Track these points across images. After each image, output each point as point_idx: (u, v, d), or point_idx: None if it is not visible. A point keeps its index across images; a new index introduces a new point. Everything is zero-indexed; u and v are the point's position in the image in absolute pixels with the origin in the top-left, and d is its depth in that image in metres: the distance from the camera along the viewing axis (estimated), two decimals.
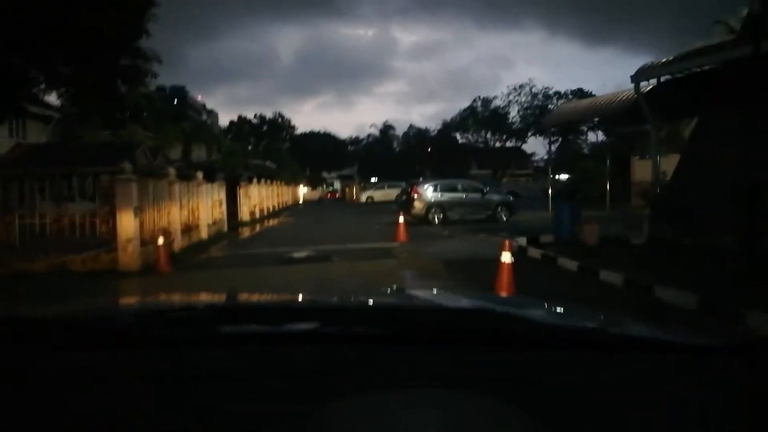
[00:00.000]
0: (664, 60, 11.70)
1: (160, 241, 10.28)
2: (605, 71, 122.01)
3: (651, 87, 12.09)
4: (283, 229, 20.61)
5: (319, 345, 1.03)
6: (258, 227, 22.18)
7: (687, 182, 11.52)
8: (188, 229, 14.41)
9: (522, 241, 12.42)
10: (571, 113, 17.25)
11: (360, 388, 0.85)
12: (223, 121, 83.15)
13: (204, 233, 15.74)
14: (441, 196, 19.62)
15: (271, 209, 31.69)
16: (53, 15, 8.47)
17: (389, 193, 47.61)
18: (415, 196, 19.60)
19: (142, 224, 11.10)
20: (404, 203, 20.67)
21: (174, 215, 13.05)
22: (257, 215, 26.23)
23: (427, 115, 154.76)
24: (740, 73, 9.71)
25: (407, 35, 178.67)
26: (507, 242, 6.96)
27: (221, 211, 18.55)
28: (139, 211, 10.59)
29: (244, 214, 23.56)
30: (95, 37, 9.11)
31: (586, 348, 1.03)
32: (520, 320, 1.20)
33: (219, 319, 1.19)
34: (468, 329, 1.08)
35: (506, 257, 6.58)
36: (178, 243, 13.26)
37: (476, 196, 19.97)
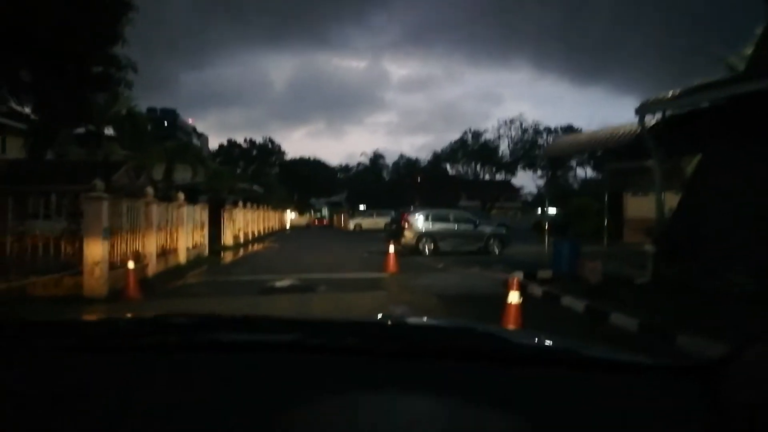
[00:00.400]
0: (668, 95, 11.31)
1: (130, 265, 9.46)
2: (592, 109, 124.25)
3: (655, 122, 11.67)
4: (267, 256, 19.77)
5: (303, 354, 1.11)
6: (241, 252, 21.31)
7: (691, 219, 11.01)
8: (165, 252, 13.57)
9: (519, 276, 11.74)
10: (570, 146, 16.86)
11: (339, 393, 0.92)
12: (214, 145, 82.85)
13: (182, 257, 14.88)
14: (432, 226, 18.99)
15: (256, 234, 30.82)
16: (16, 12, 7.75)
17: (378, 222, 47.00)
18: (406, 225, 18.95)
19: (112, 246, 10.28)
20: (394, 232, 20.00)
21: (149, 238, 12.23)
22: (241, 240, 25.36)
23: (417, 145, 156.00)
24: (747, 108, 9.33)
25: (398, 68, 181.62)
26: (515, 280, 6.27)
27: (202, 235, 17.72)
28: (108, 233, 9.78)
29: (227, 238, 22.71)
30: (63, 39, 8.41)
31: (557, 365, 1.10)
32: (498, 339, 1.30)
33: (210, 327, 1.28)
34: (447, 344, 1.17)
35: (514, 297, 5.91)
36: (153, 267, 12.40)
37: (468, 227, 19.36)
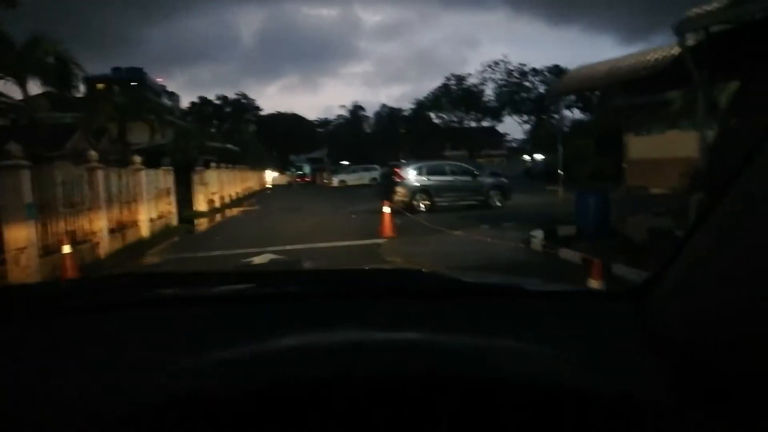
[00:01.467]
0: (714, 6, 9.34)
1: (65, 249, 7.48)
2: (569, 50, 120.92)
3: (696, 41, 9.74)
4: (245, 222, 17.79)
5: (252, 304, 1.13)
6: (216, 219, 19.28)
7: (732, 158, 9.25)
8: (121, 227, 11.55)
9: (538, 234, 10.04)
10: (586, 80, 14.86)
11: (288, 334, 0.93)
12: (186, 104, 78.88)
13: (144, 230, 12.88)
14: (427, 180, 17.11)
15: (233, 197, 28.67)
16: None
17: (362, 177, 44.98)
18: (398, 180, 17.02)
19: (45, 226, 8.27)
20: (384, 188, 18.06)
21: (97, 211, 10.19)
22: (217, 204, 23.26)
23: (394, 96, 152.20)
24: None
25: (371, 15, 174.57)
26: (596, 264, 4.46)
27: (169, 202, 15.64)
28: (34, 210, 7.74)
29: (200, 203, 20.61)
30: None
31: (499, 297, 1.19)
32: (446, 279, 1.38)
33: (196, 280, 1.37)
34: (392, 285, 1.27)
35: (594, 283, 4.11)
36: (106, 246, 10.42)
37: (467, 179, 17.53)
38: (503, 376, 0.80)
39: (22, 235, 7.50)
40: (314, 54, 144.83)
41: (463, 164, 19.07)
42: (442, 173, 17.45)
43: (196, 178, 20.47)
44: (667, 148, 23.28)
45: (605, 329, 0.99)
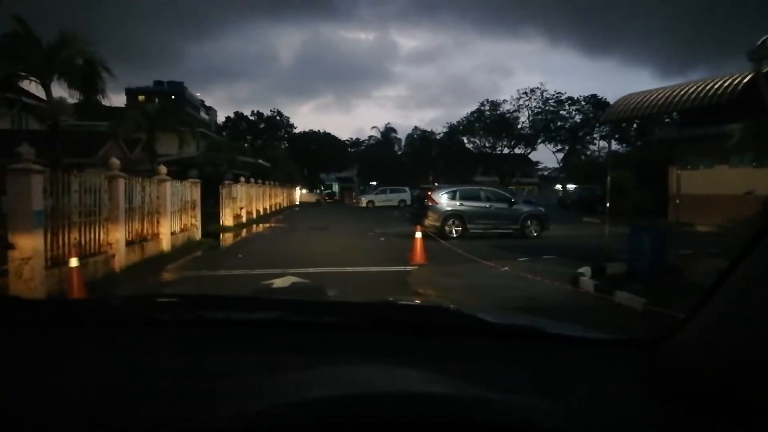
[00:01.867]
0: None
1: (72, 263, 6.93)
2: (603, 81, 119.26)
3: None
4: (270, 239, 17.24)
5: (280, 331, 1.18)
6: (241, 235, 18.80)
7: None
8: (141, 239, 11.06)
9: (586, 272, 9.12)
10: (639, 106, 13.94)
11: (313, 365, 0.95)
12: (222, 119, 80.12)
13: (165, 244, 12.38)
14: (460, 205, 16.30)
15: (261, 213, 28.33)
16: None
17: (391, 198, 44.40)
18: (430, 203, 16.27)
19: (55, 235, 7.77)
20: (415, 211, 17.35)
21: (116, 221, 9.70)
22: (244, 219, 22.86)
23: (426, 120, 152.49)
24: None
25: (407, 40, 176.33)
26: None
27: (194, 216, 15.19)
28: (42, 217, 7.24)
29: (227, 218, 20.21)
30: None
31: (510, 338, 1.19)
32: (461, 315, 1.40)
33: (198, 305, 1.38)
34: (418, 321, 1.27)
35: None
36: (122, 259, 9.91)
37: (502, 206, 16.65)
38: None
39: (28, 243, 6.99)
40: (349, 76, 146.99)
41: (499, 190, 18.21)
42: (477, 199, 16.62)
43: (224, 191, 20.11)
44: (717, 183, 22.03)
45: (615, 377, 1.00)
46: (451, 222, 16.15)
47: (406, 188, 46.27)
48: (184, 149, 25.82)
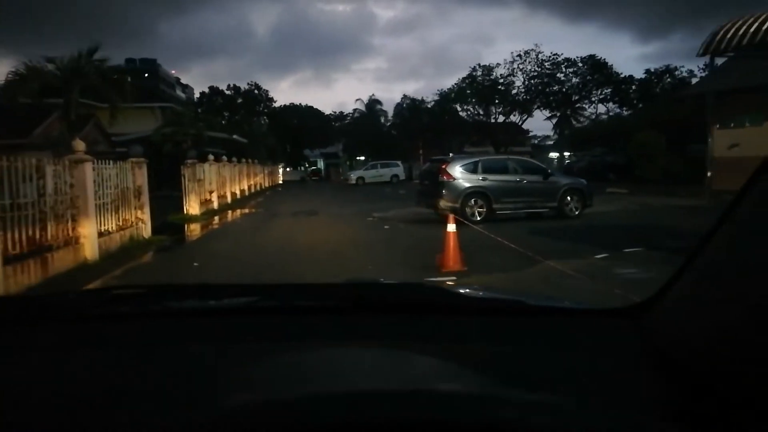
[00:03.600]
0: None
1: None
2: (586, 48, 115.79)
3: None
4: (244, 232, 13.64)
5: (257, 317, 1.16)
6: (208, 227, 15.20)
7: None
8: (38, 249, 7.45)
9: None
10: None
11: (293, 350, 0.94)
12: (198, 96, 75.33)
13: (89, 250, 8.78)
14: (483, 179, 12.85)
15: (238, 195, 24.64)
16: None
17: (382, 174, 40.79)
18: (445, 179, 12.77)
19: None
20: (425, 189, 13.85)
21: None
22: (215, 205, 19.22)
23: (408, 93, 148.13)
24: None
25: (385, 9, 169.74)
26: None
27: (139, 206, 11.54)
28: None
29: (191, 205, 16.56)
30: None
31: (502, 315, 1.20)
32: (447, 293, 1.40)
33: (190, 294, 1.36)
34: (396, 299, 1.26)
35: None
36: (9, 280, 6.34)
37: (535, 179, 13.23)
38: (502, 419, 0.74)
39: None
40: (327, 49, 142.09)
41: (530, 160, 14.68)
42: (504, 171, 13.17)
43: (186, 173, 16.42)
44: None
45: (605, 347, 0.99)
46: (473, 202, 12.71)
47: (399, 162, 42.72)
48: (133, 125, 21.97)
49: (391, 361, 0.91)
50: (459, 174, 12.77)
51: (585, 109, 60.35)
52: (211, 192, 18.93)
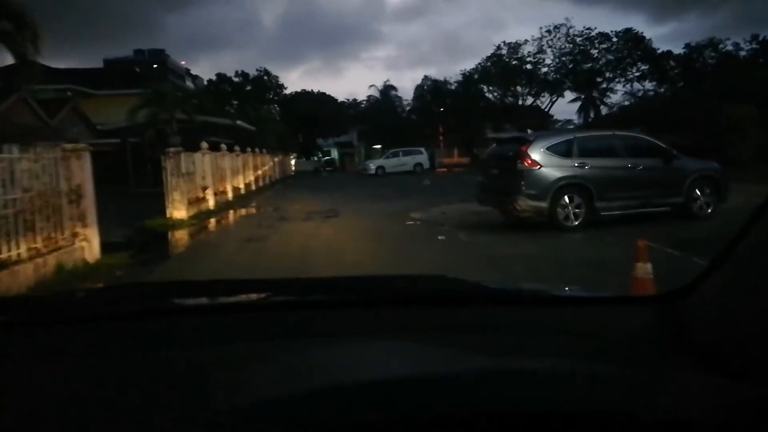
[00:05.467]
0: None
1: None
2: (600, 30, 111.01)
3: None
4: (241, 251, 9.67)
5: (267, 313, 1.12)
6: (193, 239, 11.39)
7: None
8: None
9: None
10: None
11: (305, 345, 0.91)
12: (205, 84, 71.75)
13: None
14: (582, 166, 8.87)
15: (242, 190, 20.87)
16: None
17: (404, 163, 36.75)
18: (524, 166, 8.77)
19: None
20: (495, 181, 9.80)
21: None
22: (210, 205, 15.45)
23: (419, 80, 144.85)
24: None
25: None
26: None
27: (80, 216, 7.72)
28: None
29: (176, 206, 12.76)
30: None
31: (528, 304, 1.15)
32: (470, 284, 1.32)
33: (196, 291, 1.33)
34: (415, 292, 1.22)
35: None
36: None
37: (653, 164, 9.18)
38: (546, 406, 0.70)
39: None
40: (336, 38, 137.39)
41: (644, 137, 10.50)
42: (610, 153, 9.15)
43: (168, 165, 12.62)
44: None
45: (638, 334, 0.96)
46: (567, 199, 8.75)
47: (422, 149, 38.66)
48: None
49: (405, 352, 0.87)
50: (547, 159, 8.77)
51: (613, 90, 55.22)
52: (204, 188, 15.15)
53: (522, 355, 0.86)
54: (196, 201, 14.21)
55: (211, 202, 15.51)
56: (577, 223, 8.73)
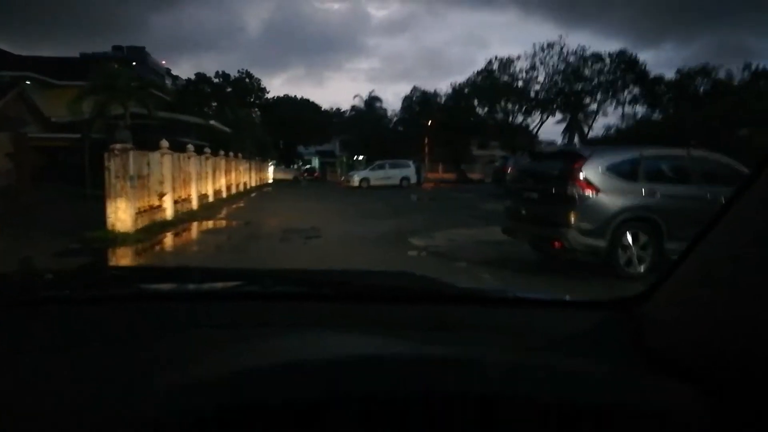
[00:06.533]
0: None
1: None
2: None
3: None
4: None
5: (241, 302, 1.11)
6: (137, 258, 8.93)
7: None
8: None
9: None
10: None
11: (276, 335, 0.91)
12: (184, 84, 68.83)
13: None
14: (648, 193, 6.70)
15: (210, 198, 18.33)
16: None
17: (391, 176, 34.50)
18: (580, 188, 6.57)
19: None
20: (532, 207, 7.48)
21: None
22: (168, 214, 12.96)
23: (401, 94, 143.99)
24: None
25: (378, 9, 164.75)
26: None
27: None
28: None
29: (119, 217, 10.25)
30: None
31: (488, 303, 1.16)
32: (434, 282, 1.33)
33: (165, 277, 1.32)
34: (382, 287, 1.24)
35: None
36: None
37: (728, 191, 7.08)
38: (495, 391, 0.74)
39: None
40: (319, 47, 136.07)
41: (725, 159, 8.31)
42: (683, 177, 7.00)
43: (112, 165, 10.12)
44: None
45: (593, 339, 0.96)
46: (630, 237, 6.56)
47: (410, 162, 36.54)
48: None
49: (361, 344, 0.87)
50: (607, 182, 6.58)
51: (604, 113, 54.10)
52: (162, 195, 12.64)
53: (472, 347, 0.87)
54: (149, 210, 11.72)
55: (168, 212, 13.01)
56: (642, 269, 6.56)
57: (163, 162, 12.98)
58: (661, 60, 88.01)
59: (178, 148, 15.13)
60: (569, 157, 6.94)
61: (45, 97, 21.64)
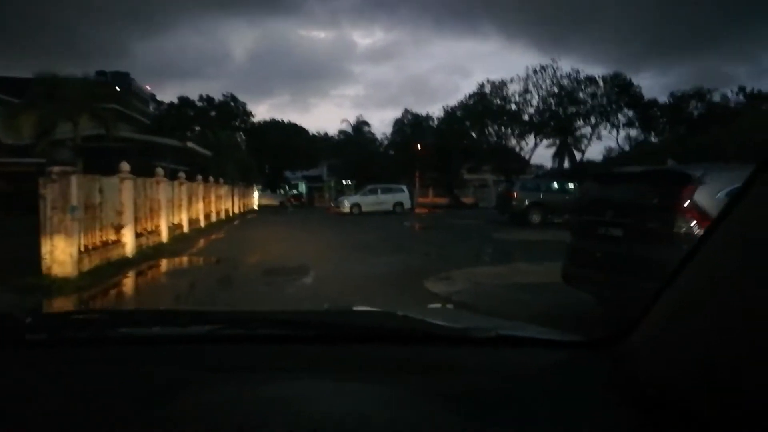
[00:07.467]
0: None
1: None
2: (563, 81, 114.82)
3: None
4: None
5: (220, 345, 1.11)
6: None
7: None
8: None
9: None
10: None
11: (267, 379, 0.92)
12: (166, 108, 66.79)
13: None
14: None
15: (184, 229, 16.10)
16: None
17: (383, 201, 32.52)
18: (693, 221, 4.57)
19: None
20: (597, 249, 5.42)
21: None
22: (128, 251, 10.74)
23: (387, 120, 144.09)
24: None
25: (362, 37, 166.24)
26: None
27: None
28: None
29: (57, 258, 8.04)
30: None
31: (472, 344, 1.12)
32: (415, 321, 1.27)
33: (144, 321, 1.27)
34: (364, 328, 1.21)
35: None
36: None
37: None
38: None
39: None
40: (306, 74, 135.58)
41: None
42: None
43: (48, 193, 7.95)
44: None
45: (572, 380, 0.96)
46: None
47: (403, 187, 34.64)
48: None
49: (336, 392, 0.87)
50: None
51: (591, 136, 52.87)
52: (119, 228, 10.44)
53: (453, 396, 0.87)
54: (101, 247, 9.52)
55: (128, 247, 10.79)
56: None
57: (122, 188, 10.81)
58: (643, 86, 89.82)
59: (149, 172, 13.02)
60: (670, 179, 4.92)
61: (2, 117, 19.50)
